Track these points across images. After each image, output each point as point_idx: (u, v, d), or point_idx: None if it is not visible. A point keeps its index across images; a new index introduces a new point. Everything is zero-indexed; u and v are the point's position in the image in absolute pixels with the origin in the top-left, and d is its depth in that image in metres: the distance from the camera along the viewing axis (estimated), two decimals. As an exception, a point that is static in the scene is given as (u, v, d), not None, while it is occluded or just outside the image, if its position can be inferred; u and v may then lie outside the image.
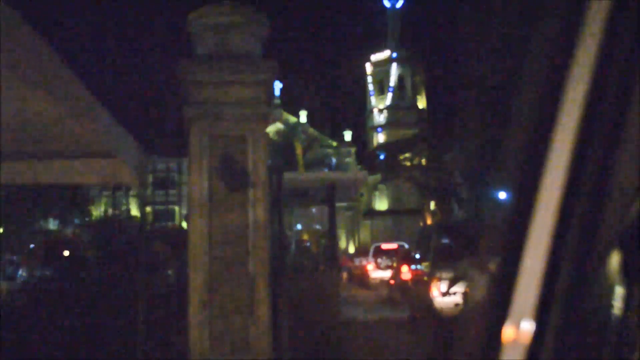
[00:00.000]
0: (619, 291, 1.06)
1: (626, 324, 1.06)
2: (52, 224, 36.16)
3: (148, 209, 51.45)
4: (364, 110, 62.90)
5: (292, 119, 57.62)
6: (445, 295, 9.09)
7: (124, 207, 40.21)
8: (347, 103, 62.62)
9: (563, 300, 1.02)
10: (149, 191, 50.56)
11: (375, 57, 61.57)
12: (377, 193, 57.99)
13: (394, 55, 60.32)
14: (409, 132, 49.12)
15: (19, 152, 5.16)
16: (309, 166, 47.06)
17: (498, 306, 1.05)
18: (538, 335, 1.01)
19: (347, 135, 60.92)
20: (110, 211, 38.17)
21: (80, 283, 7.03)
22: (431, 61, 61.89)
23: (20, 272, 16.83)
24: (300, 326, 7.80)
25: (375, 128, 60.93)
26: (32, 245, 21.60)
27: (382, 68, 61.00)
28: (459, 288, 8.43)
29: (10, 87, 3.27)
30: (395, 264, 20.50)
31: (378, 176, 52.34)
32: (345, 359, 8.56)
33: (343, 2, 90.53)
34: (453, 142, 34.16)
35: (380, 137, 59.07)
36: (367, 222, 57.47)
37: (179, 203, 51.93)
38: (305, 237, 30.83)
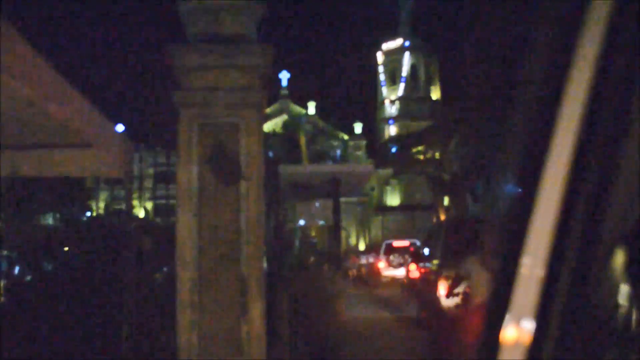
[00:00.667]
0: (624, 290, 1.05)
1: (630, 323, 1.05)
2: (51, 220, 35.98)
3: (149, 203, 51.31)
4: (375, 101, 61.80)
5: (301, 110, 56.86)
6: (449, 296, 8.74)
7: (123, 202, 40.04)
8: (358, 94, 61.95)
9: (563, 300, 1.01)
10: (149, 185, 50.40)
11: (387, 45, 59.98)
12: (388, 188, 57.36)
13: (407, 43, 58.78)
14: (422, 124, 48.07)
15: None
16: (314, 159, 46.59)
17: (498, 306, 1.06)
18: (538, 335, 1.01)
19: (358, 128, 60.07)
20: (106, 207, 37.97)
21: (67, 281, 6.76)
22: (446, 49, 60.80)
23: (17, 268, 16.64)
24: (300, 326, 7.60)
25: (386, 120, 59.91)
26: (27, 241, 21.46)
27: (394, 57, 59.42)
28: (461, 288, 8.11)
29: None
30: (406, 262, 20.33)
31: (389, 170, 51.50)
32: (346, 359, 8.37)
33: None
34: (468, 136, 33.61)
35: (392, 130, 58.00)
36: (379, 218, 56.75)
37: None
38: (313, 233, 30.50)
